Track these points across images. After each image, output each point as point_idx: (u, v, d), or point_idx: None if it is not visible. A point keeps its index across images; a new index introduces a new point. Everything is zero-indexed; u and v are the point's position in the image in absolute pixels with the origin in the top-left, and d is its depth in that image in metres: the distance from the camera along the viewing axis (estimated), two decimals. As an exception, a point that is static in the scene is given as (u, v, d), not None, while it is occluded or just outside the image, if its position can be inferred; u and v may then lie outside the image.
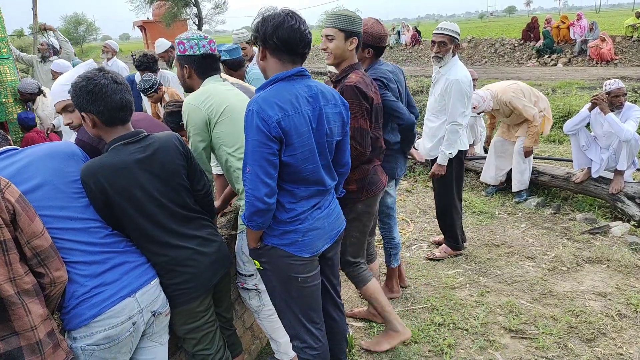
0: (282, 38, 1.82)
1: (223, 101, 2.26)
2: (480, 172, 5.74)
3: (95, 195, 1.73)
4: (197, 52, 2.32)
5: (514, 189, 5.33)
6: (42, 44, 7.47)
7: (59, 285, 1.57)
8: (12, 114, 5.42)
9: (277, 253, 1.99)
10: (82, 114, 1.77)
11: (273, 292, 2.12)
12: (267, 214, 1.88)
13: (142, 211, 1.79)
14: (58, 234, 1.63)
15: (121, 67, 7.30)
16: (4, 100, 5.36)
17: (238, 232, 2.42)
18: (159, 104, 4.65)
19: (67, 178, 1.73)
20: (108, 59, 7.53)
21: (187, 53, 2.33)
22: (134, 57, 4.84)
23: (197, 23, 33.16)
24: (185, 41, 2.33)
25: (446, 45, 3.57)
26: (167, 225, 1.85)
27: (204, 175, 2.09)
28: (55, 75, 5.64)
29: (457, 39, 3.60)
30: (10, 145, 1.79)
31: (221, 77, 2.51)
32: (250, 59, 4.44)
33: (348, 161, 2.22)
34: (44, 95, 5.64)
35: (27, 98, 5.53)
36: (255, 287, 2.46)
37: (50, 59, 7.28)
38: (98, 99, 1.72)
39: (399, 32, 21.63)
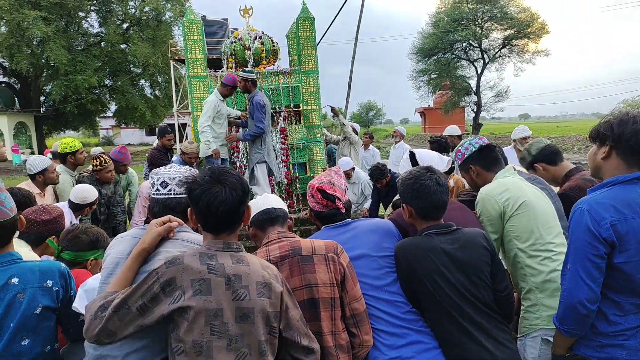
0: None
1: (521, 195, 2.23)
2: None
3: (403, 271, 1.91)
4: (474, 149, 2.41)
5: None
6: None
7: (365, 348, 1.76)
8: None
9: (590, 366, 1.78)
10: (403, 204, 2.00)
11: None
12: (585, 320, 1.73)
13: (442, 297, 1.86)
14: (370, 301, 1.86)
15: (405, 149, 8.04)
16: (312, 175, 6.50)
17: (519, 335, 2.26)
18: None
19: (383, 252, 1.97)
20: (396, 142, 8.42)
21: (466, 156, 2.44)
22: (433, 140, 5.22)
23: (475, 110, 33.96)
24: (460, 148, 2.46)
25: None
26: (465, 315, 1.86)
27: (507, 276, 2.05)
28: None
29: None
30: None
31: (515, 169, 2.50)
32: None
33: None
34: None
35: None
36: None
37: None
38: (420, 197, 1.92)
39: None
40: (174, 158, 5.85)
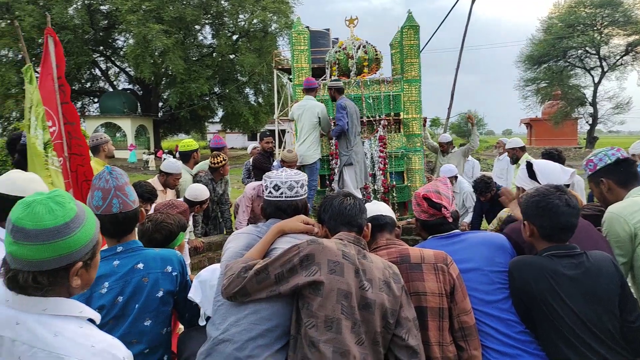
0: None
1: None
2: None
3: (517, 290, 1.81)
4: (609, 161, 2.20)
5: None
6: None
7: None
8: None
9: None
10: (525, 221, 1.89)
11: None
12: None
13: (560, 323, 1.73)
14: (480, 317, 1.79)
15: (506, 160, 7.60)
16: (409, 184, 6.37)
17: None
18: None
19: (495, 267, 1.89)
20: (500, 154, 8.00)
21: (598, 167, 2.23)
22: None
23: (590, 123, 31.17)
24: (593, 158, 2.26)
25: None
26: (585, 345, 1.72)
27: (637, 304, 1.83)
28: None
29: None
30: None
31: None
32: None
33: None
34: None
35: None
36: None
37: (452, 150, 8.26)
38: (546, 216, 1.79)
39: None
40: (275, 163, 6.11)
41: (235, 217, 5.35)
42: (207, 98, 31.99)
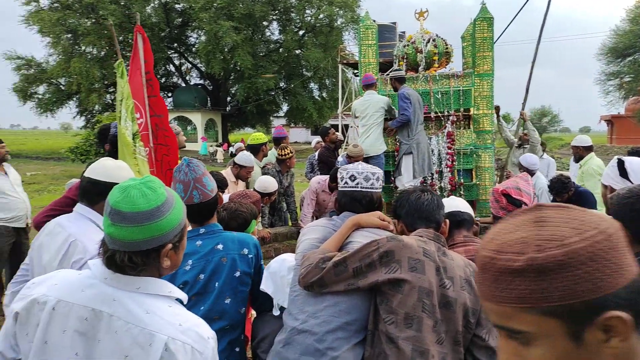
0: None
1: None
2: None
3: None
4: None
5: None
6: (525, 134, 7.74)
7: None
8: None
9: None
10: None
11: None
12: None
13: None
14: None
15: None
16: (478, 182, 6.14)
17: None
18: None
19: None
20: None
21: None
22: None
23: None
24: None
25: None
26: None
27: None
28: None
29: None
30: None
31: None
32: None
33: None
34: None
35: None
36: None
37: (525, 145, 7.73)
38: None
39: None
40: (340, 159, 6.14)
41: (300, 210, 5.47)
42: (273, 93, 32.67)
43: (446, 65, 6.46)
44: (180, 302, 1.28)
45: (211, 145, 29.29)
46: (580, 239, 0.63)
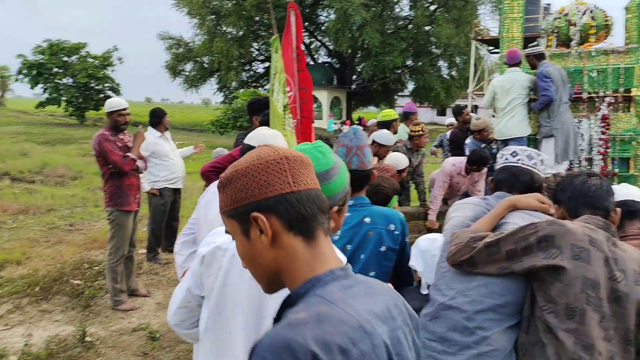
0: None
1: None
2: None
3: None
4: None
5: None
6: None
7: None
8: None
9: None
10: None
11: None
12: None
13: None
14: None
15: None
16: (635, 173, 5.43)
17: None
18: None
19: None
20: None
21: None
22: None
23: None
24: None
25: None
26: None
27: None
28: None
29: None
30: None
31: None
32: None
33: None
34: None
35: None
36: None
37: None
38: None
39: None
40: (468, 141, 5.90)
41: (429, 191, 5.38)
42: (399, 71, 32.10)
43: (604, 39, 5.74)
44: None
45: (335, 123, 29.93)
46: (245, 163, 0.88)
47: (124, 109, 4.33)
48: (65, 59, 31.25)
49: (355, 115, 37.64)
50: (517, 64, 5.36)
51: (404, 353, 0.85)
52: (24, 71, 30.50)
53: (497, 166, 1.92)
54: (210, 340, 1.36)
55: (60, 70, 30.82)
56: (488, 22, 30.55)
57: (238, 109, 19.68)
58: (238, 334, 1.30)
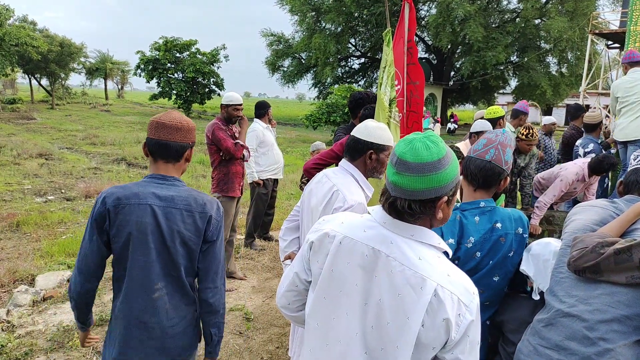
0: None
1: None
2: None
3: None
4: None
5: None
6: None
7: None
8: None
9: None
10: None
11: None
12: None
13: None
14: None
15: None
16: None
17: None
18: None
19: None
20: None
21: None
22: None
23: None
24: None
25: None
26: None
27: None
28: None
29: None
30: None
31: None
32: None
33: None
34: None
35: None
36: None
37: None
38: None
39: None
40: (579, 141, 5.44)
41: (531, 194, 5.04)
42: (502, 67, 30.36)
43: None
44: (446, 255, 1.31)
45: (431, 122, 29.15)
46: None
47: (240, 104, 4.69)
48: (178, 55, 33.72)
49: (449, 112, 36.38)
50: (637, 62, 4.84)
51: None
52: (142, 66, 33.39)
53: (629, 168, 1.72)
54: (315, 323, 1.38)
55: (173, 66, 33.33)
56: (608, 14, 27.80)
57: (332, 104, 19.88)
58: (342, 319, 1.31)
